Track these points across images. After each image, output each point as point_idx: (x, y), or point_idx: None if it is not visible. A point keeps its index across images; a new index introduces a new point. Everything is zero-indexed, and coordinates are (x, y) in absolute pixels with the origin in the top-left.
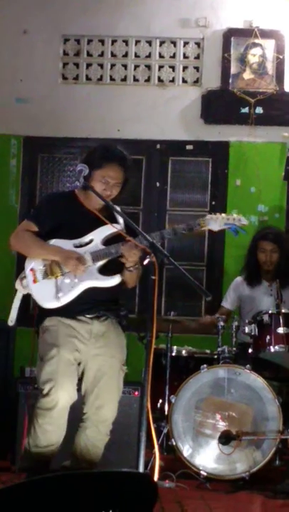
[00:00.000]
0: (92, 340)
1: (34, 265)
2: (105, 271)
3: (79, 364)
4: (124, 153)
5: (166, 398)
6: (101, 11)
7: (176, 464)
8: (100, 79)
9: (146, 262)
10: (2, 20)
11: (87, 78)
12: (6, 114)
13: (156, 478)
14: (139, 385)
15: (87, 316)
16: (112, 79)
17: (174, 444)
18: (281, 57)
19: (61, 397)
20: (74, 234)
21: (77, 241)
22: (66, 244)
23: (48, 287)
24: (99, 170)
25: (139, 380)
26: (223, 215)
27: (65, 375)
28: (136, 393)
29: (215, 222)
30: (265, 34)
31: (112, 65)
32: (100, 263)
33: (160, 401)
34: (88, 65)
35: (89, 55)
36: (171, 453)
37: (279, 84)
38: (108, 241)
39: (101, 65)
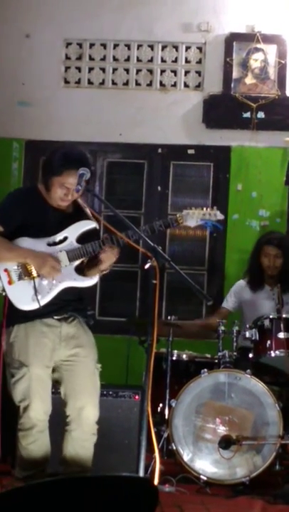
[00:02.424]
0: (63, 343)
1: (8, 265)
2: (79, 269)
3: (53, 371)
4: (85, 156)
5: (167, 402)
6: (103, 15)
7: (176, 469)
8: (102, 83)
9: (147, 266)
10: (4, 24)
11: (89, 82)
12: (8, 118)
13: (156, 482)
14: (140, 389)
15: (55, 317)
16: (114, 83)
17: (174, 448)
18: (283, 62)
19: (36, 415)
20: (44, 231)
21: (50, 239)
22: (38, 243)
23: (25, 289)
24: (58, 177)
25: (140, 384)
26: (199, 210)
27: (38, 393)
28: (136, 397)
29: (192, 218)
30: (267, 39)
31: (114, 69)
32: (77, 262)
33: (160, 405)
34: (90, 69)
35: (91, 59)
36: (171, 457)
37: (281, 89)
38: (82, 238)
39: (103, 69)
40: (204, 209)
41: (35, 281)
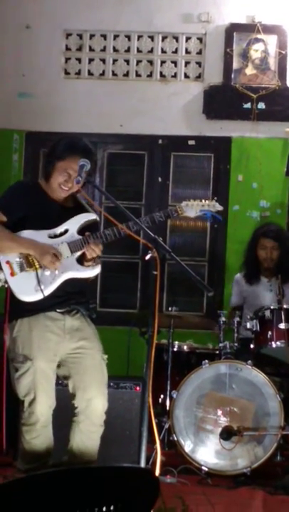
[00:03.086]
0: (67, 336)
1: (10, 257)
2: (81, 261)
3: (59, 366)
4: (89, 146)
5: (168, 393)
6: (103, 5)
7: (177, 460)
8: (102, 74)
9: (148, 257)
10: (5, 15)
11: (90, 73)
12: (8, 109)
13: (157, 473)
14: (141, 380)
15: (58, 310)
16: (114, 74)
17: (176, 439)
18: (283, 52)
19: (41, 410)
20: (44, 224)
21: (51, 231)
22: (40, 235)
23: (27, 280)
24: (61, 162)
25: (141, 376)
26: (198, 201)
27: (42, 386)
28: (137, 388)
29: (191, 209)
30: (268, 29)
31: (115, 60)
32: (78, 253)
33: (162, 396)
34: (90, 60)
35: (91, 50)
36: (172, 448)
37: (281, 79)
38: (83, 230)
39: (103, 60)
40: (203, 200)
41: (38, 272)
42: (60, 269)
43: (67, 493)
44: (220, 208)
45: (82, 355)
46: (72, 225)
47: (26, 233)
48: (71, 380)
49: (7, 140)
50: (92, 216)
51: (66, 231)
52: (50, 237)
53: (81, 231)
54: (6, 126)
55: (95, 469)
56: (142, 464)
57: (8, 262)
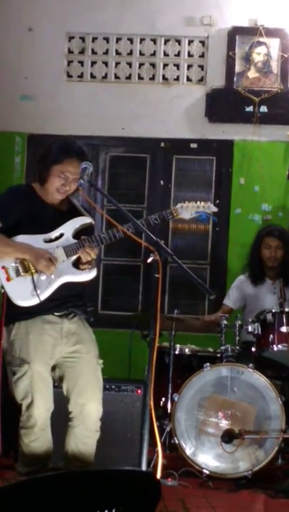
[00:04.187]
0: (64, 339)
1: (5, 263)
2: (77, 265)
3: (54, 368)
4: (83, 148)
5: (169, 396)
6: (106, 8)
7: (178, 463)
8: (105, 77)
9: (149, 260)
10: (7, 17)
11: (92, 76)
12: (10, 112)
13: (158, 476)
14: (142, 383)
15: (56, 314)
16: (116, 77)
17: (177, 442)
18: (286, 55)
19: (39, 413)
20: (39, 228)
21: (46, 236)
22: (35, 239)
23: (23, 285)
24: (58, 165)
25: (142, 378)
26: (193, 203)
27: (39, 390)
28: (139, 391)
29: (186, 211)
30: (270, 32)
31: (117, 63)
32: (74, 257)
33: (163, 399)
34: (93, 63)
35: (94, 52)
36: (173, 451)
37: (283, 82)
38: (78, 234)
39: (106, 63)
40: (198, 202)
41: (34, 277)
42: (55, 273)
43: (69, 496)
44: (215, 209)
45: (77, 360)
46: (68, 229)
47: (21, 238)
48: (65, 383)
49: (9, 142)
50: (87, 220)
51: (61, 235)
52: (46, 241)
53: (76, 235)
54: (8, 128)
55: (97, 472)
56: (143, 467)
57: (3, 268)
